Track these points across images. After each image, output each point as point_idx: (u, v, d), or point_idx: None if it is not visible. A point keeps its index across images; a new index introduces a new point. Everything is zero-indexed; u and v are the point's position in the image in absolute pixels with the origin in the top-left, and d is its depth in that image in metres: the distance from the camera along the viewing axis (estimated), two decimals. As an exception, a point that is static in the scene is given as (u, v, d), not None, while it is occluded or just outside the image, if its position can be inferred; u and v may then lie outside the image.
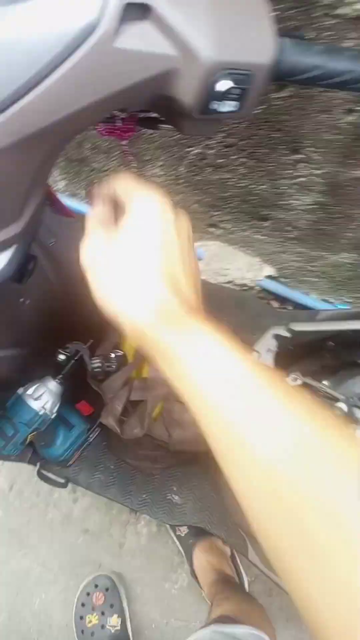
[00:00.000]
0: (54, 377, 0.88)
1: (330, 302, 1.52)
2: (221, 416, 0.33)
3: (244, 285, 1.52)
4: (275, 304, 1.60)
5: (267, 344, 0.81)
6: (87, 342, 0.92)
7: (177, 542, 1.36)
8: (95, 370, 0.78)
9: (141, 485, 1.09)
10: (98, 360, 0.78)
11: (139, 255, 0.41)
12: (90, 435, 1.08)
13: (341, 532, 0.26)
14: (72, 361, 0.82)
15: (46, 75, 0.37)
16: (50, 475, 1.08)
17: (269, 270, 1.48)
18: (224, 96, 0.41)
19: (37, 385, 0.87)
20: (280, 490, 0.29)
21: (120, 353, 0.80)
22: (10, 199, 0.47)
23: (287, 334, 0.81)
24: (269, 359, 0.80)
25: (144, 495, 1.08)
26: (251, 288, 1.53)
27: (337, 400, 0.87)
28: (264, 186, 1.13)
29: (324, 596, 0.26)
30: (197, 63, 0.38)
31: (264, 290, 1.55)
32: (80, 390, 0.99)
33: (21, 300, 0.75)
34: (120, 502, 1.09)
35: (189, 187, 1.27)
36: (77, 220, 1.27)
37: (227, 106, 0.43)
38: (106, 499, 1.10)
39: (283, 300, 1.58)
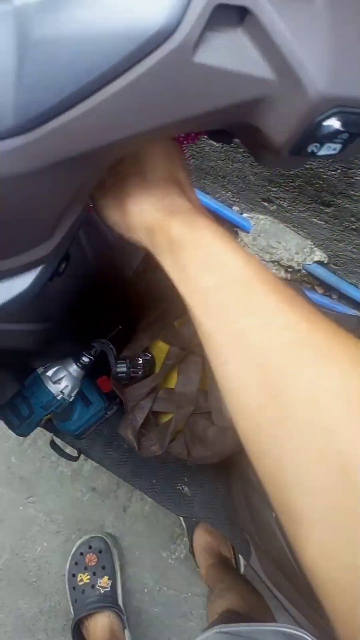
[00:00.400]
0: (76, 360, 0.84)
1: (381, 298, 1.41)
2: (218, 308, 0.33)
3: (290, 267, 1.41)
4: (319, 290, 1.50)
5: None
6: (116, 329, 0.87)
7: (180, 516, 1.36)
8: (120, 374, 0.72)
9: (153, 470, 1.06)
10: (124, 364, 0.72)
11: (145, 161, 0.41)
12: (108, 412, 1.05)
13: (319, 413, 0.27)
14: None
15: (99, 88, 0.27)
16: (66, 449, 1.07)
17: (320, 255, 1.36)
18: (326, 139, 0.31)
19: (57, 367, 0.82)
20: (270, 377, 0.30)
21: (148, 357, 0.74)
22: (41, 220, 0.39)
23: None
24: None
25: (153, 481, 1.06)
26: (297, 271, 1.43)
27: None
28: (334, 172, 1.01)
29: (299, 466, 0.27)
30: (300, 95, 0.28)
31: (311, 275, 1.44)
32: (102, 365, 0.95)
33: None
34: (129, 483, 1.07)
35: (249, 157, 1.15)
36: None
37: (327, 149, 0.32)
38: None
39: (328, 287, 1.47)
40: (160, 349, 0.76)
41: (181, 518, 1.37)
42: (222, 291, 0.33)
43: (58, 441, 1.07)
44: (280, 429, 0.29)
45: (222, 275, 0.34)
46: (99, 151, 0.31)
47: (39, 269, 0.43)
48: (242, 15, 0.27)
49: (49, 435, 1.43)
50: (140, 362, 0.74)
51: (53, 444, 1.04)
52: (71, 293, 0.80)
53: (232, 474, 1.00)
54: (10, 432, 1.44)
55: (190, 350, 0.73)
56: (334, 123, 0.29)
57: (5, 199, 0.32)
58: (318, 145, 0.32)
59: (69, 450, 1.10)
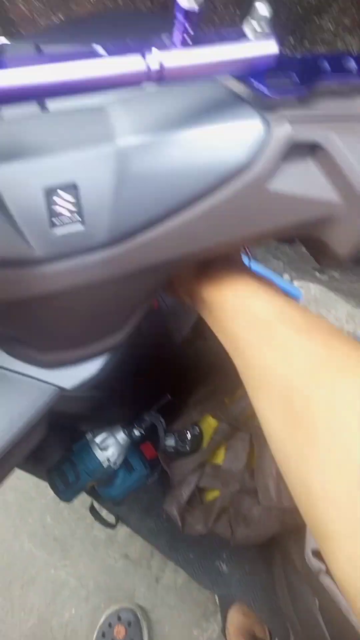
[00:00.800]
0: (124, 427, 0.84)
1: None
2: (246, 349, 0.37)
3: (339, 339, 1.40)
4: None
5: None
6: (165, 399, 0.87)
7: (216, 594, 1.30)
8: (168, 449, 0.72)
9: (191, 543, 1.03)
10: (172, 438, 0.73)
11: None
12: (149, 479, 1.04)
13: (338, 430, 0.29)
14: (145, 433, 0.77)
15: (183, 209, 0.30)
16: (101, 511, 1.06)
17: (370, 327, 1.35)
18: None
19: (106, 434, 0.83)
20: (292, 402, 0.32)
21: (197, 432, 0.74)
22: (118, 315, 0.41)
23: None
24: None
25: (190, 555, 1.02)
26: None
27: None
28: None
29: (324, 483, 0.29)
30: None
31: (360, 347, 1.43)
32: (148, 430, 0.95)
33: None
34: (165, 555, 1.05)
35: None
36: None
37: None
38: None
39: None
40: (209, 424, 0.76)
41: (216, 595, 1.31)
42: (248, 333, 0.37)
43: (96, 505, 1.06)
44: (305, 449, 0.31)
45: (247, 320, 0.38)
46: (175, 261, 0.34)
47: (108, 355, 0.45)
48: (313, 148, 0.30)
49: (86, 497, 1.42)
50: (189, 436, 0.74)
51: (92, 509, 1.04)
52: (123, 362, 0.81)
53: (274, 555, 0.96)
54: (47, 490, 1.45)
55: (238, 427, 0.72)
56: None
57: (91, 299, 0.35)
58: None
59: (104, 513, 1.08)
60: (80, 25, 0.68)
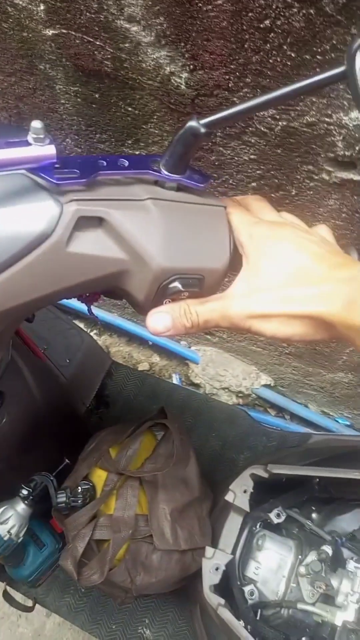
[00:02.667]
0: (24, 498, 0.85)
1: (330, 416, 1.48)
2: None
3: (240, 392, 1.49)
4: (272, 412, 1.56)
5: (244, 483, 0.78)
6: (63, 462, 0.90)
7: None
8: (59, 504, 0.75)
9: (112, 613, 1.02)
10: (63, 495, 0.75)
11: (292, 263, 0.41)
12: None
13: None
14: (36, 492, 0.79)
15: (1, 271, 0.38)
16: (16, 595, 1.02)
17: (266, 379, 1.46)
18: (174, 295, 0.42)
19: (4, 507, 0.83)
20: None
21: (88, 485, 0.77)
22: None
23: (265, 475, 0.78)
24: (244, 500, 0.76)
25: (113, 626, 1.00)
26: (247, 395, 1.50)
27: (323, 540, 0.82)
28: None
29: None
30: (146, 268, 0.40)
31: (261, 398, 1.52)
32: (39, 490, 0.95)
33: (-1, 419, 0.74)
34: (88, 631, 1.02)
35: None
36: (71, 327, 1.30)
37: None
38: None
39: (280, 409, 1.54)
40: (100, 477, 0.79)
41: None
42: None
43: (10, 589, 1.03)
44: None
45: None
46: (4, 313, 0.41)
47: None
48: (100, 220, 0.39)
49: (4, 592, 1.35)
50: (80, 490, 0.77)
51: (6, 595, 1.00)
52: (19, 433, 0.84)
53: (190, 606, 0.97)
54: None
55: (127, 474, 0.76)
56: (176, 285, 0.41)
57: None
58: (169, 300, 0.43)
59: (20, 598, 1.04)
60: None
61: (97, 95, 0.76)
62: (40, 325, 1.26)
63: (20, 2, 0.64)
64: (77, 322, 1.40)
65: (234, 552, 0.75)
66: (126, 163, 0.41)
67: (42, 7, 0.64)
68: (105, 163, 0.41)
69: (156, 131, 0.81)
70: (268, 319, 0.40)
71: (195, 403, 1.18)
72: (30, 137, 0.36)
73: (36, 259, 0.38)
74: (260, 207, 0.46)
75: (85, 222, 0.38)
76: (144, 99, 0.75)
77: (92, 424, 1.19)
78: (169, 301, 0.43)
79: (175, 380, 1.59)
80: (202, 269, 0.42)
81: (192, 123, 0.38)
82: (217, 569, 0.71)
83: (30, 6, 0.64)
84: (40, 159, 0.36)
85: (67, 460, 0.90)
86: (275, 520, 0.79)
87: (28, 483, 0.79)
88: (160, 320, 0.43)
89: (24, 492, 0.78)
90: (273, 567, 0.77)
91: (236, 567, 0.75)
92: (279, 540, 0.80)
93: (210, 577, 0.73)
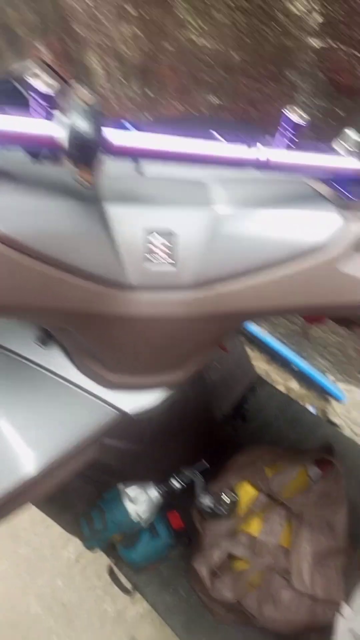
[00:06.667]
0: (157, 486, 0.86)
1: None
2: None
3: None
4: None
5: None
6: (203, 466, 0.89)
7: None
8: (204, 507, 0.74)
9: (208, 628, 0.99)
10: (209, 499, 0.74)
11: None
12: (171, 552, 1.03)
13: None
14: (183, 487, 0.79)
15: (260, 270, 0.38)
16: (120, 576, 1.04)
17: None
18: None
19: (138, 488, 0.85)
20: None
21: (234, 499, 0.75)
22: (181, 350, 0.48)
23: None
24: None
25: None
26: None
27: None
28: None
29: None
30: None
31: None
32: (175, 497, 0.95)
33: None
34: (178, 635, 1.00)
35: (352, 334, 1.22)
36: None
37: None
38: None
39: None
40: (247, 492, 0.77)
41: None
42: None
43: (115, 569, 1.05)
44: None
45: None
46: (245, 314, 0.41)
47: (167, 392, 0.51)
48: None
49: (101, 563, 1.39)
50: (224, 499, 0.75)
51: (111, 573, 1.02)
52: (166, 423, 0.85)
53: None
54: (62, 551, 1.42)
55: (279, 501, 0.73)
56: None
57: (164, 331, 0.42)
58: None
59: (123, 581, 1.06)
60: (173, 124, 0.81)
61: (342, 114, 0.73)
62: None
63: (296, 11, 0.64)
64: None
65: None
66: None
67: (319, 19, 0.63)
68: None
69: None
70: None
71: (340, 446, 1.11)
72: (339, 147, 0.35)
73: (300, 270, 0.37)
74: None
75: None
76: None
77: (226, 433, 1.18)
78: None
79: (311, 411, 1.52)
80: None
81: None
82: (352, 632, 0.65)
83: (305, 16, 0.64)
84: (344, 172, 0.35)
85: (207, 464, 0.89)
86: None
87: (179, 476, 0.79)
88: None
89: (175, 483, 0.78)
90: None
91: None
92: None
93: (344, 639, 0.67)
